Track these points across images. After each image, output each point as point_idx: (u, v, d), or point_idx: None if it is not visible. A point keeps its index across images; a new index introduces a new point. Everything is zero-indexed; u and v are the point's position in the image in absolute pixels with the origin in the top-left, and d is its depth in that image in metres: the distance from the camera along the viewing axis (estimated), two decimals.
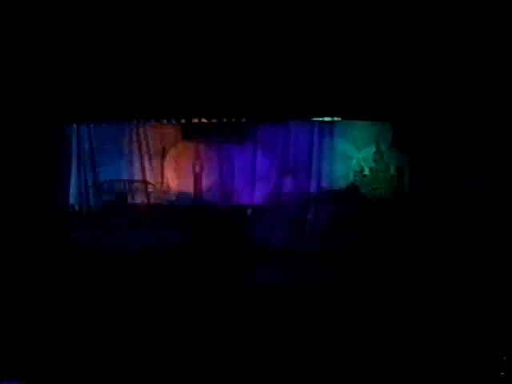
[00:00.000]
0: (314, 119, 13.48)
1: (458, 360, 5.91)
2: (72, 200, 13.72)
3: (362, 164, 14.44)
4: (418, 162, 14.05)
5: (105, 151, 13.94)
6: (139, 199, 14.13)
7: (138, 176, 14.19)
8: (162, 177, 14.29)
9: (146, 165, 14.05)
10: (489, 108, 11.31)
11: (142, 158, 14.03)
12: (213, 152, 14.30)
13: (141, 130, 13.89)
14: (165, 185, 14.32)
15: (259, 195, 14.42)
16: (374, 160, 14.45)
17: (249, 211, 14.04)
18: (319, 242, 14.13)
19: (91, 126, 13.30)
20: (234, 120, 13.61)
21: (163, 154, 14.22)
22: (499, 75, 10.98)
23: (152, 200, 14.07)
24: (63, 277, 11.28)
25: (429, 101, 11.67)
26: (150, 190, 14.25)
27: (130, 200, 14.08)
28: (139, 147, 13.96)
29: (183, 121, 13.66)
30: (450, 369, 5.78)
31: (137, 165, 14.07)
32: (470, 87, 11.21)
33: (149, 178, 14.20)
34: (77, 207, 13.91)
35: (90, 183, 13.77)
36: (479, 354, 5.91)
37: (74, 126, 13.23)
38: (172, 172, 14.31)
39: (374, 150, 14.34)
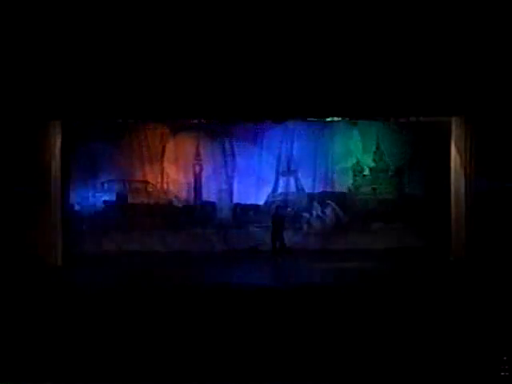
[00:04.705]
0: (314, 119, 13.47)
1: (458, 360, 5.91)
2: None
3: (362, 164, 14.47)
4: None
5: None
6: None
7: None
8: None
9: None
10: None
11: None
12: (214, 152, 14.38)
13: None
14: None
15: (260, 195, 14.50)
16: (374, 160, 14.49)
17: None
18: (319, 241, 14.27)
19: None
20: (234, 119, 13.62)
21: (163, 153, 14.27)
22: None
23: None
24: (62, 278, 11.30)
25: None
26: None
27: None
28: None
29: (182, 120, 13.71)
30: (451, 368, 5.78)
31: None
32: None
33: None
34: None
35: None
36: (479, 353, 5.91)
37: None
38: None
39: (373, 149, 14.40)
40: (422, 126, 13.58)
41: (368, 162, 14.45)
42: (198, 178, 14.38)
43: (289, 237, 13.85)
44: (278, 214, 13.50)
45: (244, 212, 14.37)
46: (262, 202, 14.42)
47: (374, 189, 14.42)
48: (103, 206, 14.21)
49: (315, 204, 14.43)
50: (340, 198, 14.44)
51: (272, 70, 11.08)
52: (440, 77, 11.19)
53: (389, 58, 11.01)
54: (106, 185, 14.23)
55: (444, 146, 12.89)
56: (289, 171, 14.46)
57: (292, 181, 14.50)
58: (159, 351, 6.30)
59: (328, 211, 14.43)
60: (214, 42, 10.80)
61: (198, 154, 14.34)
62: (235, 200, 14.38)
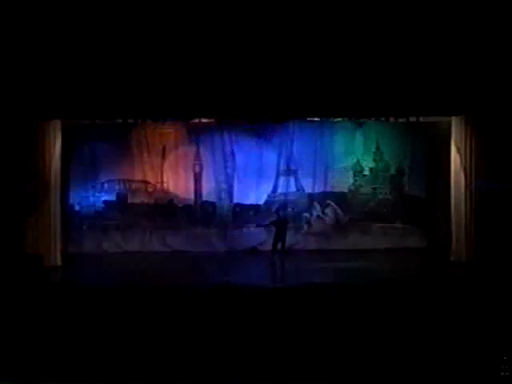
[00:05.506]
0: (314, 119, 13.46)
1: (458, 360, 5.90)
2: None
3: (362, 164, 14.46)
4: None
5: None
6: None
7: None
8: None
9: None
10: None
11: None
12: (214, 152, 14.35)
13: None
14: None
15: (260, 195, 14.47)
16: (374, 160, 14.48)
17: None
18: (319, 241, 14.25)
19: None
20: (234, 119, 13.61)
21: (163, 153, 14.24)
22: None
23: None
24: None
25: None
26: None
27: None
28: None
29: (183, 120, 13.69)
30: (451, 368, 5.78)
31: None
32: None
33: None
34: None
35: None
36: (479, 353, 5.91)
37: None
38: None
39: (373, 149, 14.39)
40: (421, 126, 13.58)
41: (368, 162, 14.44)
42: (198, 178, 14.37)
43: (289, 237, 13.84)
44: (279, 217, 13.37)
45: (244, 212, 14.37)
46: (262, 202, 14.41)
47: (373, 189, 14.42)
48: (103, 205, 14.20)
49: (315, 204, 14.42)
50: (340, 198, 14.42)
51: (272, 70, 11.07)
52: (440, 76, 11.18)
53: (389, 58, 11.00)
54: (105, 185, 14.22)
55: (444, 146, 12.88)
56: (289, 171, 14.44)
57: (292, 181, 14.47)
58: (159, 351, 6.29)
59: (328, 211, 14.42)
60: (214, 41, 10.78)
61: (197, 154, 14.32)
62: (235, 200, 14.36)
